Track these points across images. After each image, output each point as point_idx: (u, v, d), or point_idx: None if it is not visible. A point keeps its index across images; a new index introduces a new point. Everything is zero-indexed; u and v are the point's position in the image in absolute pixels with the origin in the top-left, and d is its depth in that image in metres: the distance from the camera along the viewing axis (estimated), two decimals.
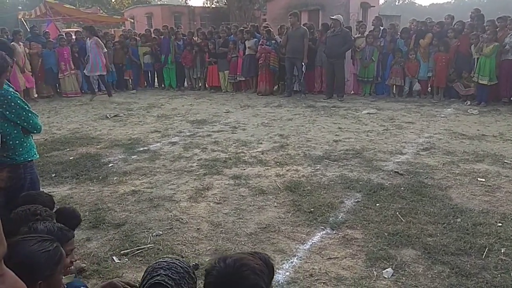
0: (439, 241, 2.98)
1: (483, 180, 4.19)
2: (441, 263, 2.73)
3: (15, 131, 2.69)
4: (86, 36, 10.20)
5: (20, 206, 2.26)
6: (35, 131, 2.81)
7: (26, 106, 2.71)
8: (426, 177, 4.30)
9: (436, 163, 4.75)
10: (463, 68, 8.60)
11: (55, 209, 2.55)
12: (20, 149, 2.72)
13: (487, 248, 2.86)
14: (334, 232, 3.21)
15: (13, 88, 2.75)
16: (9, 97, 2.61)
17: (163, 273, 1.60)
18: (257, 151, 5.41)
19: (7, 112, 2.62)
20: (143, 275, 1.65)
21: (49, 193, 2.78)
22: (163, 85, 11.95)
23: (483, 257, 2.77)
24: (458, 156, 5.03)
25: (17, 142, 2.70)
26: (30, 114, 2.73)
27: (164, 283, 1.55)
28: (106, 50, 10.03)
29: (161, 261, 1.68)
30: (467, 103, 8.47)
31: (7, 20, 23.96)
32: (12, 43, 9.41)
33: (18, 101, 2.66)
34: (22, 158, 2.74)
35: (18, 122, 2.68)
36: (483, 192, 3.89)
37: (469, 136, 5.93)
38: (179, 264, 1.67)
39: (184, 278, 1.63)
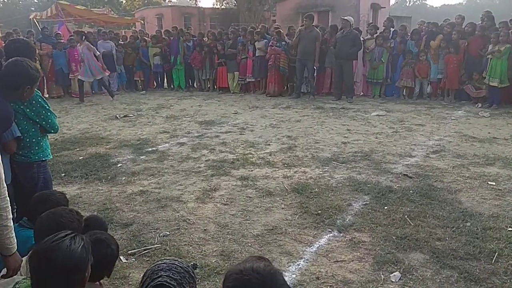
0: (448, 245, 2.95)
1: (494, 183, 4.13)
2: (449, 267, 2.70)
3: (33, 129, 2.74)
4: (76, 42, 10.19)
5: (34, 205, 2.31)
6: (52, 131, 2.86)
7: (46, 105, 2.77)
8: (436, 180, 4.26)
9: (446, 166, 4.70)
10: (473, 70, 8.50)
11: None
12: (36, 148, 2.76)
13: (496, 253, 2.82)
14: (342, 235, 3.20)
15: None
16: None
17: (164, 274, 1.60)
18: (265, 153, 5.41)
19: (28, 110, 2.67)
20: (143, 279, 1.65)
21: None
22: (172, 86, 12.02)
23: (493, 262, 2.73)
24: (468, 159, 4.96)
25: (33, 140, 2.74)
26: (49, 114, 2.78)
27: (167, 284, 1.55)
28: (99, 53, 9.94)
29: (160, 263, 1.69)
30: (478, 105, 8.37)
31: (20, 21, 24.35)
32: None
33: (39, 100, 2.73)
34: (36, 157, 2.77)
35: (37, 120, 2.73)
36: (493, 196, 3.84)
37: (479, 139, 5.86)
38: (178, 264, 1.68)
39: (185, 277, 1.64)
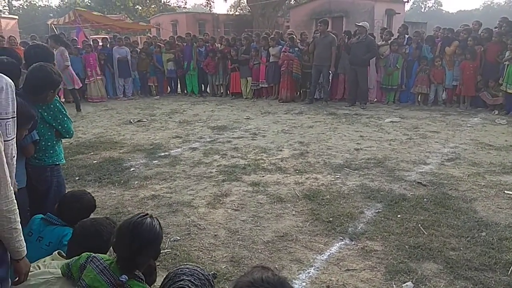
0: (462, 256, 2.88)
1: (510, 193, 4.04)
2: (464, 278, 2.64)
3: (49, 133, 2.79)
4: (52, 47, 10.03)
5: (67, 203, 2.47)
6: (67, 136, 2.92)
7: (63, 110, 2.84)
8: (450, 189, 4.18)
9: (461, 174, 4.62)
10: (490, 77, 8.35)
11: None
12: (51, 152, 2.81)
13: None
14: (353, 243, 3.15)
15: None
16: None
17: (186, 278, 1.67)
18: (277, 158, 5.39)
19: (45, 114, 2.73)
20: (164, 281, 1.70)
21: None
22: (185, 91, 12.12)
23: (509, 273, 2.66)
24: (484, 167, 4.87)
25: (49, 144, 2.79)
26: (66, 119, 2.84)
27: None
28: (69, 64, 9.29)
29: (183, 267, 1.75)
30: (494, 112, 8.21)
31: (39, 27, 24.93)
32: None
33: (57, 104, 2.79)
34: (50, 161, 2.82)
35: (54, 124, 2.78)
36: (510, 206, 3.75)
37: (496, 147, 5.74)
38: (200, 271, 1.74)
39: (205, 285, 1.68)
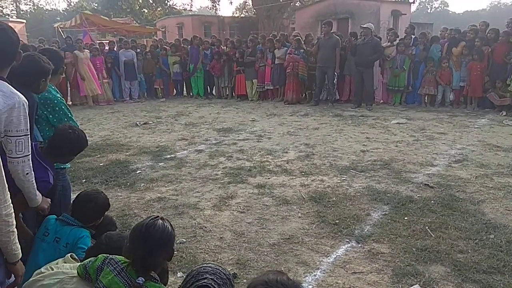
0: (470, 258, 2.85)
1: None
2: (472, 281, 2.61)
3: None
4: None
5: (82, 203, 2.49)
6: None
7: (69, 113, 2.86)
8: (458, 191, 4.14)
9: (469, 176, 4.57)
10: (497, 77, 8.28)
11: None
12: None
13: None
14: (360, 245, 3.13)
15: (60, 94, 2.90)
16: (55, 101, 2.77)
17: (210, 277, 1.68)
18: (282, 160, 5.38)
19: (51, 116, 2.75)
20: (186, 278, 1.74)
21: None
22: (191, 94, 12.16)
23: None
24: (492, 169, 4.82)
25: None
26: (71, 122, 2.85)
27: (211, 286, 1.63)
28: None
29: (206, 266, 1.79)
30: (502, 113, 8.14)
31: (46, 30, 25.17)
32: (75, 51, 10.36)
33: (63, 107, 2.81)
34: (55, 165, 2.82)
35: None
36: None
37: (504, 148, 5.68)
38: (222, 270, 1.76)
39: (226, 284, 1.72)
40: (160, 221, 1.80)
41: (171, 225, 1.84)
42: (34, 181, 2.13)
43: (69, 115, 2.85)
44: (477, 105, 8.83)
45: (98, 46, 11.57)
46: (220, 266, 1.82)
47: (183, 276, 2.74)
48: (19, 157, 1.99)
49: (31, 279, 1.92)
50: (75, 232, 2.36)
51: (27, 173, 2.06)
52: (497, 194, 4.02)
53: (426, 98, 9.45)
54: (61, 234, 2.35)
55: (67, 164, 2.98)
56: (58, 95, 2.84)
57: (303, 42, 10.37)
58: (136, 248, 1.75)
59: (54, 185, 2.82)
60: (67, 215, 2.45)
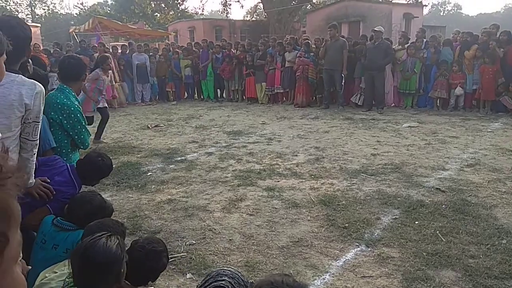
0: (481, 263, 2.82)
1: None
2: (483, 286, 2.58)
3: (65, 141, 2.89)
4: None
5: (78, 205, 2.41)
6: (82, 146, 3.01)
7: (83, 122, 2.94)
8: (470, 195, 4.10)
9: (481, 180, 4.52)
10: (510, 81, 8.16)
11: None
12: (65, 159, 2.86)
13: None
14: (369, 249, 3.12)
15: (78, 101, 2.99)
16: (72, 108, 2.85)
17: (228, 280, 1.70)
18: (292, 163, 5.39)
19: (65, 122, 2.82)
20: (206, 278, 1.77)
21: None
22: (202, 97, 12.24)
23: None
24: (505, 173, 4.75)
25: (63, 151, 2.88)
26: (83, 130, 2.94)
27: None
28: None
29: (226, 269, 1.81)
30: None
31: (60, 35, 25.60)
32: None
33: (78, 115, 2.90)
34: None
35: (71, 133, 2.88)
36: None
37: None
38: (240, 277, 1.77)
39: None
40: (103, 240, 1.57)
41: (119, 243, 1.61)
42: (34, 164, 2.24)
43: (83, 123, 2.92)
44: (490, 108, 8.71)
45: (111, 50, 11.71)
46: (240, 272, 1.82)
47: (192, 278, 2.77)
48: (34, 141, 2.13)
49: (37, 282, 1.91)
50: (72, 236, 2.29)
51: (34, 154, 2.18)
52: (509, 199, 3.97)
53: (438, 101, 9.36)
54: (58, 241, 2.29)
55: None
56: (76, 103, 2.92)
57: (313, 46, 10.37)
58: (75, 273, 1.55)
59: None
60: (60, 220, 2.37)
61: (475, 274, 2.70)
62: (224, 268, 1.82)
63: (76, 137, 2.91)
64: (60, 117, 2.79)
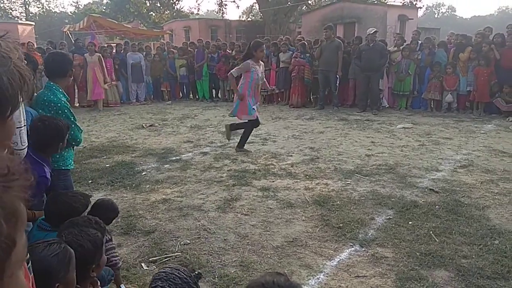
0: (474, 264, 2.85)
1: None
2: (475, 286, 2.60)
3: None
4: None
5: (46, 205, 2.35)
6: (73, 143, 2.95)
7: (72, 118, 2.89)
8: (463, 196, 4.13)
9: (474, 181, 4.56)
10: (504, 83, 8.25)
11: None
12: (57, 156, 2.84)
13: None
14: (363, 249, 3.14)
15: (66, 97, 2.94)
16: (59, 104, 2.81)
17: (160, 284, 1.68)
18: (287, 164, 5.40)
19: None
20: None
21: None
22: (197, 97, 12.22)
23: None
24: (497, 174, 4.80)
25: None
26: (73, 126, 2.88)
27: None
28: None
29: (162, 272, 1.77)
30: (509, 119, 8.09)
31: (55, 33, 25.44)
32: (86, 54, 10.51)
33: (66, 111, 2.85)
34: (56, 165, 2.84)
35: None
36: None
37: (510, 154, 5.65)
38: (177, 274, 1.74)
39: None
40: (41, 247, 1.48)
41: (62, 253, 1.51)
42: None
43: (72, 119, 2.87)
44: (483, 110, 8.79)
45: (107, 48, 11.67)
46: (178, 269, 1.77)
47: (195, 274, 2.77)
48: (24, 148, 2.05)
49: None
50: (49, 237, 2.09)
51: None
52: (502, 200, 4.01)
53: (432, 103, 9.43)
54: (36, 240, 2.24)
55: (71, 165, 3.00)
56: (64, 99, 2.86)
57: (309, 47, 10.40)
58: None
59: (55, 185, 2.84)
60: (43, 222, 2.31)
61: (467, 274, 2.73)
62: (161, 270, 1.79)
63: None
64: (49, 114, 2.75)
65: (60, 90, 2.90)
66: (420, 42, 9.72)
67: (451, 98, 9.06)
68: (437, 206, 3.86)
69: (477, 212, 3.73)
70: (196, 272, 1.95)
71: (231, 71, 5.86)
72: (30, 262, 1.26)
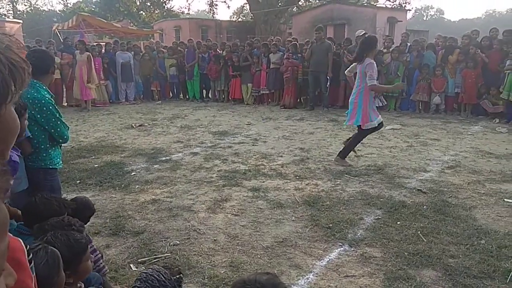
0: (461, 263, 2.89)
1: (510, 201, 4.04)
2: (462, 286, 2.64)
3: (43, 136, 2.77)
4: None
5: (23, 209, 2.26)
6: (60, 140, 2.88)
7: (57, 114, 2.81)
8: (450, 196, 4.19)
9: (461, 182, 4.62)
10: (491, 85, 8.39)
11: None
12: (44, 155, 2.78)
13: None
14: (352, 249, 3.16)
15: (50, 94, 2.87)
16: (43, 101, 2.73)
17: (139, 285, 1.73)
18: (277, 164, 5.41)
19: (38, 116, 2.72)
20: None
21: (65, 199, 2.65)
22: (187, 97, 12.18)
23: (508, 281, 2.66)
24: (484, 175, 4.87)
25: (42, 147, 2.77)
26: (59, 123, 2.81)
27: None
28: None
29: (143, 272, 1.81)
30: (495, 121, 8.23)
31: (43, 31, 25.12)
32: (76, 51, 10.34)
33: (50, 107, 2.77)
34: (43, 164, 2.79)
35: (47, 127, 2.76)
36: (509, 214, 3.75)
37: (496, 155, 5.75)
38: (157, 277, 1.78)
39: None
40: (41, 252, 1.47)
41: (50, 259, 1.49)
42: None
43: (57, 116, 2.79)
44: (470, 112, 8.92)
45: (96, 47, 11.55)
46: (159, 271, 1.78)
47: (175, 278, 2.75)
48: None
49: None
50: (28, 241, 2.19)
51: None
52: (488, 200, 4.07)
53: (420, 104, 9.54)
54: None
55: (59, 164, 2.94)
56: (47, 96, 2.78)
57: (300, 48, 10.43)
58: None
59: (42, 185, 2.77)
60: (22, 226, 2.24)
61: (454, 274, 2.76)
62: (142, 271, 1.82)
63: (52, 130, 2.78)
64: (33, 112, 2.68)
65: (44, 87, 2.82)
66: (409, 44, 9.83)
67: (439, 100, 9.19)
68: (424, 207, 3.91)
69: (464, 212, 3.79)
70: (177, 276, 1.95)
71: (374, 79, 4.93)
72: (33, 262, 1.26)
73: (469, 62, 8.54)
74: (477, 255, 3.00)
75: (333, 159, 5.57)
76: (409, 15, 41.87)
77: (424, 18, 75.05)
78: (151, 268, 1.86)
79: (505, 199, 4.08)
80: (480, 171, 5.03)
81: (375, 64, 4.98)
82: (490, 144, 6.41)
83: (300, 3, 30.62)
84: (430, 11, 78.31)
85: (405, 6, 30.74)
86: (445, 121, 8.44)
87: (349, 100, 5.31)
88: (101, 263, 2.46)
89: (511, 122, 7.93)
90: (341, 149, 5.47)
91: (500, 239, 3.22)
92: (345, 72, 5.62)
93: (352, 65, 5.37)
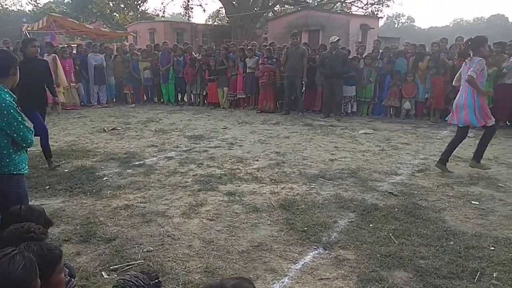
0: (431, 264, 2.97)
1: (477, 203, 4.19)
2: (433, 286, 2.71)
3: (5, 141, 2.62)
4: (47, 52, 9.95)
5: (12, 224, 2.14)
6: (24, 145, 2.73)
7: (19, 118, 2.65)
8: (420, 199, 4.30)
9: (431, 185, 4.76)
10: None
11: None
12: (7, 160, 2.65)
13: (479, 272, 2.84)
14: (327, 252, 3.19)
15: (12, 97, 2.70)
16: (3, 104, 2.57)
17: None
18: (253, 168, 5.41)
19: None
20: None
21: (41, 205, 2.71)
22: (162, 100, 12.03)
23: (475, 281, 2.75)
24: (452, 178, 5.04)
25: (4, 152, 2.62)
26: (21, 126, 2.66)
27: None
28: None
29: (121, 279, 1.79)
30: None
31: (11, 32, 24.26)
32: (44, 54, 9.81)
33: (11, 110, 2.60)
34: (6, 170, 2.65)
35: (8, 131, 2.60)
36: (476, 215, 3.89)
37: (464, 159, 5.95)
38: (135, 282, 1.77)
39: None
40: (6, 262, 1.43)
41: (27, 262, 1.47)
42: None
43: (19, 119, 2.64)
44: (439, 117, 9.21)
45: (67, 49, 11.25)
46: (138, 277, 1.79)
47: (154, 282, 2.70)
48: None
49: None
50: None
51: None
52: (457, 203, 4.21)
53: (391, 109, 9.78)
54: None
55: (25, 170, 2.79)
56: (8, 99, 2.62)
57: (275, 52, 10.51)
58: None
59: (7, 192, 2.65)
60: None
61: (425, 274, 2.84)
62: (121, 277, 1.81)
63: (15, 135, 2.63)
64: None
65: (5, 90, 2.68)
66: (381, 51, 10.08)
67: (409, 105, 9.45)
68: (396, 209, 4.00)
69: (433, 214, 3.90)
70: (156, 280, 1.93)
71: (475, 74, 4.80)
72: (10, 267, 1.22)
73: (439, 68, 8.82)
74: (446, 256, 3.09)
75: (308, 163, 5.63)
76: (381, 22, 43.04)
77: (396, 26, 77.21)
78: (129, 274, 1.83)
79: (472, 201, 4.23)
80: (449, 174, 5.20)
81: (484, 62, 4.85)
82: (458, 148, 6.60)
83: (275, 8, 30.91)
84: (401, 19, 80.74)
85: (377, 14, 31.59)
86: (415, 126, 8.69)
87: (458, 103, 5.26)
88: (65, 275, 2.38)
89: (477, 128, 8.22)
90: (473, 153, 5.40)
91: (467, 240, 3.33)
92: (453, 83, 5.56)
93: (457, 75, 5.37)
